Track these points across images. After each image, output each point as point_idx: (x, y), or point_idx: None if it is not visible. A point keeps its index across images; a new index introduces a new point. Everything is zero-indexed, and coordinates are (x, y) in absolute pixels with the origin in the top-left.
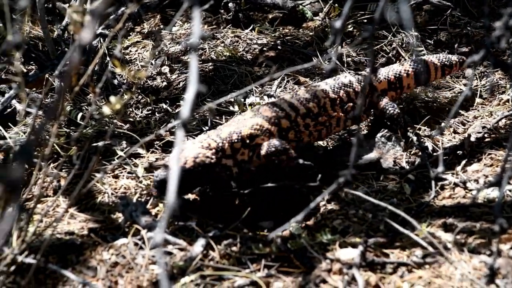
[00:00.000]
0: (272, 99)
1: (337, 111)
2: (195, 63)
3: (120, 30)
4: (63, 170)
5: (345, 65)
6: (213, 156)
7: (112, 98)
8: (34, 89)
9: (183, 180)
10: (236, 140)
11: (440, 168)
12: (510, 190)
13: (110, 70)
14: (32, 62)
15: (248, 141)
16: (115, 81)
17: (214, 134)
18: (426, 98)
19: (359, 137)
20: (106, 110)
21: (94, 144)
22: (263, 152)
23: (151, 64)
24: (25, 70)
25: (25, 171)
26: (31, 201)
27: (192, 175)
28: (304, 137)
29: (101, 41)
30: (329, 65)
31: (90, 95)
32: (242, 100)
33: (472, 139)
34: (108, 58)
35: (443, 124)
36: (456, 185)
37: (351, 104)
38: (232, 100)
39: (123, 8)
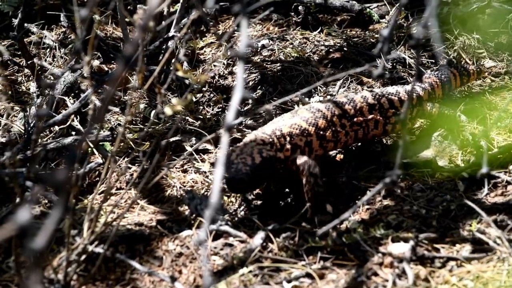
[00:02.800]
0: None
1: (374, 114)
2: (242, 70)
3: (187, 33)
4: (136, 165)
5: (407, 67)
6: (271, 150)
7: (174, 100)
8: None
9: (255, 175)
10: (280, 136)
11: (484, 169)
12: None
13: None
14: (112, 62)
15: (288, 138)
16: (187, 81)
17: (260, 132)
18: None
19: (405, 139)
20: (168, 111)
21: (166, 140)
22: (299, 161)
23: (223, 64)
24: (106, 69)
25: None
26: (104, 193)
27: (261, 170)
28: (342, 137)
29: (177, 43)
30: (377, 70)
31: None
32: (307, 99)
33: None
34: (182, 58)
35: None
36: (508, 183)
37: (392, 110)
38: (298, 99)
39: (193, 13)
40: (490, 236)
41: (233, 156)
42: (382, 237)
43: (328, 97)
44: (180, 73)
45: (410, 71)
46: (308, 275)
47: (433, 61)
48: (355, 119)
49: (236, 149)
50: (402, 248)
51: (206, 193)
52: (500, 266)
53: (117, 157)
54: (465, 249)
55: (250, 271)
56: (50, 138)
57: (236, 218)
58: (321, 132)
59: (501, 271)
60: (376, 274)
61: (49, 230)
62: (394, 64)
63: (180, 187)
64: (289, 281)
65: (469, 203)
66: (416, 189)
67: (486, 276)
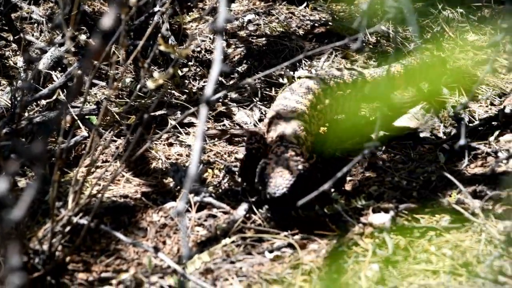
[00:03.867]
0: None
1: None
2: (220, 44)
3: (171, 7)
4: (121, 138)
5: (391, 41)
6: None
7: (156, 74)
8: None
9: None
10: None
11: (462, 141)
12: None
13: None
14: (96, 35)
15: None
16: (172, 56)
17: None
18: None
19: (383, 112)
20: (150, 84)
21: (152, 114)
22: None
23: (209, 38)
24: (93, 43)
25: (48, 145)
26: (89, 166)
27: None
28: (315, 128)
29: (162, 17)
30: (356, 44)
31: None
32: (291, 73)
33: (507, 110)
34: (165, 33)
35: (466, 99)
36: (488, 154)
37: (340, 92)
38: (282, 73)
39: None
40: (469, 206)
41: (268, 169)
42: (363, 207)
43: (313, 71)
44: (163, 48)
45: (394, 45)
46: (289, 245)
47: (416, 34)
48: (318, 107)
49: (271, 161)
50: (382, 218)
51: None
52: (478, 235)
53: (102, 131)
54: (444, 219)
55: (233, 242)
56: (37, 112)
57: (220, 190)
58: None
59: (479, 240)
60: (356, 244)
61: (26, 202)
62: (378, 38)
63: (165, 160)
64: (271, 251)
65: (448, 175)
66: (398, 161)
67: (464, 245)
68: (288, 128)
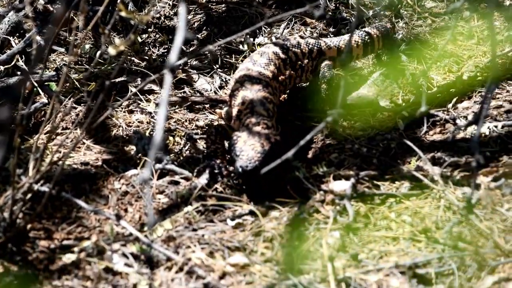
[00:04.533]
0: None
1: (288, 70)
2: (184, 11)
3: None
4: (81, 105)
5: (350, 7)
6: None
7: (117, 40)
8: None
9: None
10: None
11: (423, 108)
12: (495, 126)
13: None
14: (57, 2)
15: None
16: (132, 22)
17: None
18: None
19: (346, 79)
20: (112, 51)
21: (112, 81)
22: None
23: (168, 5)
24: (51, 9)
25: (15, 110)
26: (49, 133)
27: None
28: (277, 99)
29: None
30: (318, 11)
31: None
32: (251, 40)
33: (465, 77)
34: None
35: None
36: (446, 121)
37: (300, 63)
38: (242, 40)
39: None
40: (428, 173)
41: (240, 142)
42: (324, 174)
43: (273, 38)
44: (123, 13)
45: (353, 12)
46: (251, 213)
47: (375, 1)
48: (279, 78)
49: (242, 134)
50: (343, 186)
51: (152, 133)
52: (437, 202)
53: (62, 97)
54: (404, 186)
55: (195, 209)
56: None
57: (181, 158)
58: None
59: (438, 206)
60: (317, 211)
61: None
62: (337, 5)
63: (125, 127)
64: (232, 219)
65: (407, 142)
66: (358, 128)
67: (423, 212)
68: (256, 99)
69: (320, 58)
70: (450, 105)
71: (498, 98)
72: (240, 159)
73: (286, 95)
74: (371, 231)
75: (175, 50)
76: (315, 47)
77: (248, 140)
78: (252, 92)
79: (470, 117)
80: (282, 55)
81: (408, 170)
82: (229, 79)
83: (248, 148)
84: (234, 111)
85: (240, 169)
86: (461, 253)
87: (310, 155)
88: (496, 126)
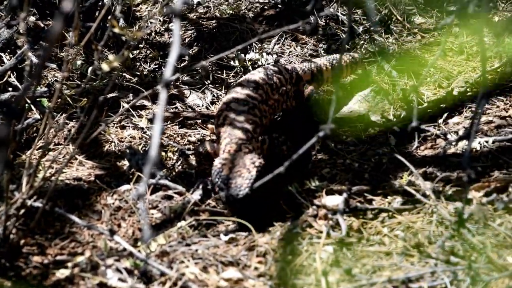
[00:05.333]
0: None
1: (275, 95)
2: (178, 27)
3: None
4: (74, 120)
5: (340, 23)
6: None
7: (111, 56)
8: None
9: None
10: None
11: (414, 123)
12: (486, 141)
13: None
14: (48, 18)
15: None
16: (123, 38)
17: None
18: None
19: (337, 93)
20: (105, 67)
21: (105, 96)
22: None
23: (159, 21)
24: (42, 25)
25: (12, 127)
26: (42, 149)
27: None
28: (266, 122)
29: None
30: (309, 26)
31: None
32: (243, 55)
33: (455, 93)
34: (118, 15)
35: (421, 77)
36: (437, 136)
37: (284, 88)
38: (233, 55)
39: None
40: (420, 188)
41: (225, 170)
42: (317, 189)
43: (264, 54)
44: (116, 30)
45: (343, 28)
46: (244, 228)
47: (365, 17)
48: (269, 102)
49: (226, 162)
50: (335, 200)
51: (145, 148)
52: (429, 216)
53: (55, 113)
54: (396, 201)
55: (188, 224)
56: None
57: (174, 173)
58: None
59: (430, 221)
60: (310, 226)
61: None
62: (327, 21)
63: (117, 143)
64: (226, 234)
65: (399, 157)
66: (349, 143)
67: (416, 227)
68: (237, 124)
69: (299, 83)
70: (441, 120)
71: (489, 113)
72: (229, 187)
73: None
74: (364, 246)
75: (169, 65)
76: (294, 72)
77: (233, 167)
78: (235, 115)
79: (461, 132)
80: (268, 81)
81: (400, 185)
82: (220, 95)
83: (235, 176)
84: (219, 134)
85: (231, 198)
86: (454, 267)
87: (302, 169)
88: (487, 141)
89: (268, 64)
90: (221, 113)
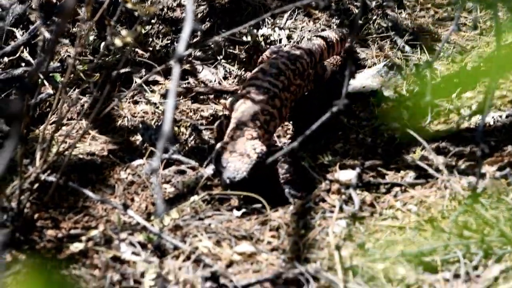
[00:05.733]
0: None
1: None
2: (191, 2)
3: None
4: (87, 96)
5: None
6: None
7: (124, 32)
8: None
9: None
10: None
11: (428, 98)
12: (500, 116)
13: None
14: None
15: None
16: (136, 13)
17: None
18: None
19: (351, 69)
20: (118, 42)
21: (115, 72)
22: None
23: None
24: (54, 1)
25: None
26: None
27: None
28: (286, 112)
29: None
30: (322, 1)
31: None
32: (255, 31)
33: (468, 68)
34: None
35: (436, 52)
36: (450, 111)
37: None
38: (246, 31)
39: None
40: (433, 162)
41: (226, 153)
42: (330, 164)
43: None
44: (129, 5)
45: (356, 3)
46: (257, 201)
47: None
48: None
49: (228, 146)
50: (348, 175)
51: (158, 123)
52: (442, 191)
53: (68, 88)
54: (409, 176)
55: (201, 198)
56: (0, 70)
57: (187, 148)
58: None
59: (443, 196)
60: (323, 200)
61: (5, 160)
62: None
63: (130, 118)
64: (239, 208)
65: (412, 132)
66: (362, 118)
67: (429, 201)
68: (247, 111)
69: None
70: (454, 95)
71: (502, 88)
72: (228, 170)
73: None
74: (377, 221)
75: (182, 41)
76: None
77: (234, 151)
78: (248, 103)
79: (474, 107)
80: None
81: (412, 159)
82: (233, 70)
83: (235, 159)
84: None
85: (227, 181)
86: (467, 241)
87: (315, 145)
88: (500, 116)
89: (279, 40)
90: (240, 98)
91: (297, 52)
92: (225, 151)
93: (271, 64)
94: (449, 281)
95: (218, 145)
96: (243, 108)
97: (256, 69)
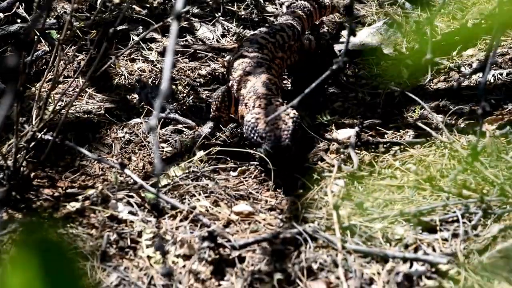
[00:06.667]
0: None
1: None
2: None
3: None
4: (83, 53)
5: None
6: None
7: None
8: None
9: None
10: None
11: (428, 55)
12: (500, 74)
13: None
14: None
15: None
16: None
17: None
18: None
19: (351, 27)
20: None
21: (112, 29)
22: None
23: None
24: None
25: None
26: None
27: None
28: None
29: None
30: None
31: None
32: None
33: (469, 25)
34: None
35: (436, 9)
36: (450, 69)
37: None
38: None
39: None
40: (433, 121)
41: (260, 124)
42: (328, 123)
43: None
44: None
45: None
46: (255, 161)
47: None
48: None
49: (260, 116)
50: (347, 134)
51: (155, 81)
52: (441, 150)
53: (64, 46)
54: (408, 134)
55: (199, 158)
56: None
57: (185, 107)
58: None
59: (443, 155)
60: (322, 160)
61: (1, 118)
62: None
63: (127, 76)
64: (236, 168)
65: (409, 94)
66: (361, 77)
67: (428, 160)
68: (258, 82)
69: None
70: (454, 53)
71: (503, 45)
72: (269, 140)
73: None
74: (375, 180)
75: None
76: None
77: (268, 120)
78: (255, 76)
79: (474, 65)
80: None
81: (412, 118)
82: (231, 28)
83: (273, 128)
84: (241, 97)
85: (270, 150)
86: (466, 201)
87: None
88: (501, 74)
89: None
90: (240, 79)
91: (277, 26)
92: (259, 121)
93: (251, 41)
94: (447, 240)
95: (249, 116)
96: (252, 83)
97: (238, 52)
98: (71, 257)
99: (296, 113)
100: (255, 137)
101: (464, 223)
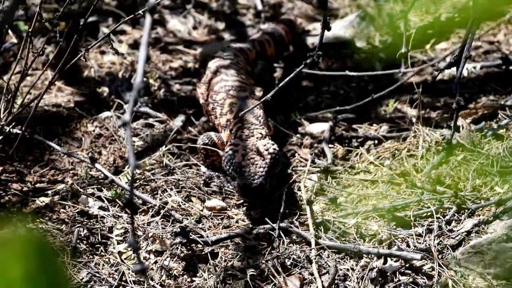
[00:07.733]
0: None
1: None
2: None
3: None
4: (52, 45)
5: None
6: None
7: None
8: None
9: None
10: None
11: (403, 49)
12: (474, 67)
13: None
14: None
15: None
16: None
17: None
18: None
19: (326, 20)
20: None
21: (81, 21)
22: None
23: None
24: None
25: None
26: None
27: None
28: None
29: None
30: None
31: None
32: None
33: (442, 19)
34: None
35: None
36: (424, 62)
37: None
38: None
39: None
40: (407, 115)
41: (237, 157)
42: (301, 119)
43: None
44: None
45: None
46: None
47: None
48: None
49: (238, 148)
50: (321, 128)
51: (125, 75)
52: (416, 143)
53: (33, 37)
54: (382, 129)
55: (170, 152)
56: None
57: (156, 100)
58: None
59: (417, 148)
60: (295, 154)
61: None
62: None
63: (97, 69)
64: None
65: (386, 90)
66: (335, 70)
67: (402, 155)
68: (245, 108)
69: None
70: (428, 47)
71: (476, 39)
72: (242, 175)
73: None
74: (350, 174)
75: None
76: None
77: (246, 154)
78: (240, 100)
79: (448, 59)
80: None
81: (386, 112)
82: (202, 20)
83: (248, 163)
84: (223, 120)
85: (244, 187)
86: (440, 196)
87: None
88: (474, 67)
89: None
90: (223, 102)
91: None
92: (237, 154)
93: (225, 66)
94: (422, 236)
95: (227, 148)
96: (237, 108)
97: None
98: (53, 255)
99: (277, 149)
100: (230, 170)
101: (438, 218)
